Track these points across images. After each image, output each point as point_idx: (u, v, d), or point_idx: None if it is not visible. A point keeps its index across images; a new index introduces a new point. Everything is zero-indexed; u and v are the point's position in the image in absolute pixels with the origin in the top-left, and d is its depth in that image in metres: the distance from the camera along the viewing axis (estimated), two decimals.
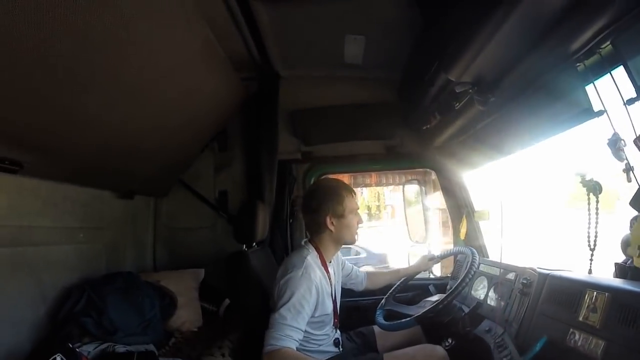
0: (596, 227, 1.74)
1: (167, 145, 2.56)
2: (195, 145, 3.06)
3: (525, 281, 1.96)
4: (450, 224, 3.24)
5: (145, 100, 2.02)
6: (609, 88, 1.55)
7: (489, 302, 2.23)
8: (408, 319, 2.01)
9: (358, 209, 2.13)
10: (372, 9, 2.19)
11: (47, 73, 1.45)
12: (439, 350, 2.04)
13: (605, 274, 1.73)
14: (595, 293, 1.49)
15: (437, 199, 3.54)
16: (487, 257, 2.80)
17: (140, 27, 1.60)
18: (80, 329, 2.07)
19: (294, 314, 1.76)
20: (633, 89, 1.41)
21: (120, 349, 2.06)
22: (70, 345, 1.82)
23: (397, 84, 2.98)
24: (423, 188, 3.37)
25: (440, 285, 2.72)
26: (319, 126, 3.13)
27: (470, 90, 1.87)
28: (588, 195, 1.74)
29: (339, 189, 2.07)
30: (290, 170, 3.22)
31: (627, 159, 1.51)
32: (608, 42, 1.41)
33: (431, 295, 2.49)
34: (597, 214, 1.74)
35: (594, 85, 1.61)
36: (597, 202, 1.74)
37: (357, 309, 2.54)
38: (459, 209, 3.06)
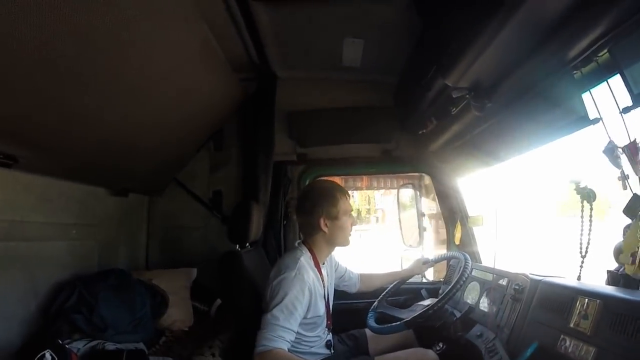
0: (589, 234, 1.75)
1: (163, 143, 2.55)
2: (191, 144, 3.06)
3: (517, 287, 1.97)
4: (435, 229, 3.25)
5: (143, 99, 2.02)
6: (605, 96, 1.56)
7: (481, 307, 2.23)
8: (398, 323, 2.00)
9: (352, 211, 2.13)
10: (371, 12, 2.20)
11: (46, 70, 1.45)
12: (431, 354, 2.04)
13: (596, 281, 1.73)
14: (586, 300, 1.49)
15: (430, 203, 3.53)
16: (480, 262, 2.80)
17: (139, 27, 1.60)
18: (70, 326, 2.06)
19: (287, 315, 1.76)
20: (629, 97, 1.42)
21: (110, 346, 2.06)
22: (60, 342, 1.82)
23: (395, 88, 2.98)
24: (417, 192, 3.37)
25: (432, 289, 2.72)
26: (315, 128, 3.13)
27: (467, 96, 1.88)
28: (582, 202, 1.74)
29: (333, 191, 2.07)
30: (285, 171, 3.21)
31: (622, 167, 1.51)
32: (605, 50, 1.41)
33: (423, 299, 2.49)
34: (590, 221, 1.74)
35: (590, 93, 1.62)
36: (591, 209, 1.74)
37: (349, 312, 2.54)
38: (453, 214, 3.06)
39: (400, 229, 3.36)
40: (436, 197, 3.19)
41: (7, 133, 1.64)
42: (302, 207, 2.09)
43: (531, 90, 1.75)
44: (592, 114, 1.65)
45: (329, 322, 2.13)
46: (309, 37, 2.52)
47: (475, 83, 1.79)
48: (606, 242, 1.72)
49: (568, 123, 1.80)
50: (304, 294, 1.85)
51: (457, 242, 2.97)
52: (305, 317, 1.91)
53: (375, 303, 2.38)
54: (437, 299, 2.01)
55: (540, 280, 1.88)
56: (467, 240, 2.95)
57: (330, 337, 2.16)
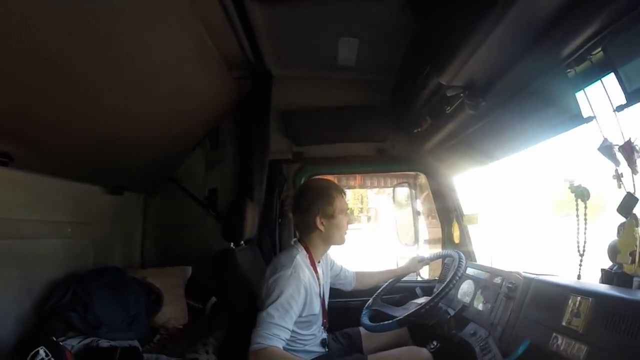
0: (585, 232, 1.75)
1: (158, 141, 2.55)
2: (187, 142, 3.06)
3: (510, 285, 1.97)
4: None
5: (138, 97, 2.02)
6: (598, 94, 1.56)
7: (475, 305, 2.23)
8: (390, 321, 2.01)
9: (348, 210, 2.13)
10: (366, 12, 2.21)
11: (42, 69, 1.45)
12: (424, 352, 2.04)
13: (590, 279, 1.74)
14: (579, 298, 1.50)
15: (425, 202, 3.53)
16: (475, 261, 2.80)
17: (134, 25, 1.60)
18: (65, 323, 2.07)
19: (282, 313, 1.76)
20: (623, 96, 1.42)
21: (104, 343, 2.06)
22: (54, 339, 1.81)
23: (390, 87, 2.98)
24: (413, 191, 3.37)
25: (427, 287, 2.73)
26: (310, 127, 3.13)
27: (462, 95, 1.88)
28: (576, 201, 1.75)
29: (330, 190, 2.07)
30: (280, 170, 3.22)
31: (620, 164, 1.52)
32: (599, 49, 1.41)
33: (418, 297, 2.49)
34: (585, 220, 1.75)
35: (584, 92, 1.62)
36: (586, 207, 1.75)
37: (343, 310, 2.54)
38: (448, 212, 3.06)
39: (396, 227, 3.36)
40: (431, 196, 3.20)
41: (2, 131, 1.63)
42: (298, 206, 2.08)
43: (525, 89, 1.76)
44: (585, 112, 1.66)
45: (324, 320, 2.13)
46: (304, 36, 2.52)
47: (470, 82, 1.80)
48: (599, 242, 1.72)
49: (562, 121, 1.80)
50: (300, 293, 1.85)
51: (457, 240, 2.98)
52: (300, 316, 1.90)
53: (370, 301, 2.38)
54: (430, 297, 2.02)
55: (533, 278, 1.88)
56: (462, 239, 2.96)
57: (325, 335, 2.16)
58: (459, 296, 2.40)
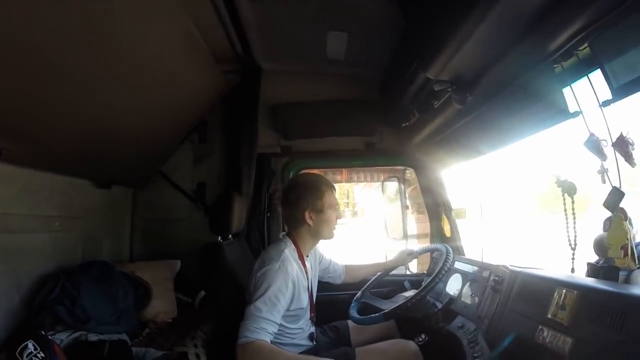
0: (575, 226, 1.76)
1: (146, 134, 2.54)
2: (175, 136, 3.05)
3: (497, 278, 1.99)
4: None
5: (126, 89, 2.01)
6: (585, 89, 1.57)
7: (462, 299, 2.25)
8: (377, 314, 2.03)
9: (337, 204, 2.14)
10: (355, 6, 2.22)
11: (29, 62, 1.45)
12: (411, 345, 2.06)
13: (575, 274, 1.76)
14: (564, 291, 1.51)
15: (412, 196, 3.55)
16: (464, 255, 2.83)
17: (122, 17, 1.60)
18: (53, 317, 2.07)
19: (270, 307, 1.76)
20: (609, 91, 1.43)
21: (93, 337, 2.06)
22: (43, 333, 1.80)
23: (379, 82, 3.00)
24: (402, 186, 3.38)
25: (415, 281, 2.74)
26: (299, 121, 3.14)
27: (449, 89, 1.89)
28: (563, 195, 1.76)
29: (319, 184, 2.07)
30: (269, 163, 3.20)
31: (606, 158, 1.53)
32: (586, 45, 1.42)
33: (406, 290, 2.50)
34: (573, 214, 1.76)
35: (571, 87, 1.63)
36: (573, 202, 1.76)
37: (331, 303, 2.55)
38: (437, 207, 3.08)
39: (385, 222, 3.37)
40: (418, 190, 3.21)
41: None
42: (287, 200, 2.08)
43: (512, 84, 1.76)
44: (572, 108, 1.67)
45: (312, 314, 2.14)
46: (293, 30, 2.52)
47: (457, 76, 1.81)
48: (583, 238, 1.74)
49: (548, 116, 1.81)
50: (287, 286, 1.85)
51: (448, 234, 3.00)
52: (288, 309, 1.91)
53: (359, 293, 2.40)
54: (417, 291, 2.03)
55: (520, 271, 1.90)
56: (451, 233, 2.98)
57: (313, 329, 2.17)
58: (447, 290, 2.41)
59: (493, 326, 1.87)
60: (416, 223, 3.68)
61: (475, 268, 2.28)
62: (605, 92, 1.45)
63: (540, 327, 1.54)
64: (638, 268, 1.53)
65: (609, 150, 1.51)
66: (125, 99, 2.07)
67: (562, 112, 1.71)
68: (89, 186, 2.69)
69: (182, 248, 3.07)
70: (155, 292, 2.65)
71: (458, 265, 2.44)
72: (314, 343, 2.14)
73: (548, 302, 1.57)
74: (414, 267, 3.30)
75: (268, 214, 3.19)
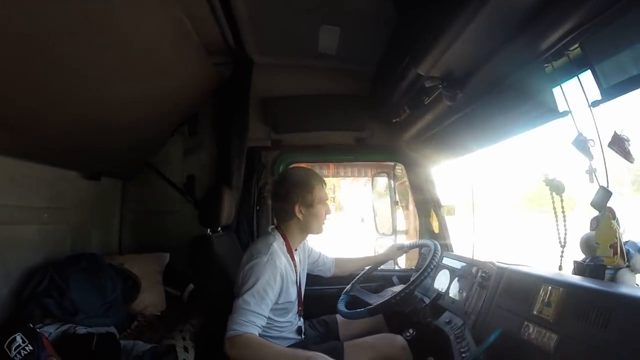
0: (565, 224, 1.78)
1: (136, 125, 2.52)
2: (165, 128, 3.03)
3: (484, 274, 2.01)
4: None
5: (116, 80, 1.99)
6: (574, 89, 1.59)
7: (450, 294, 2.27)
8: (362, 309, 2.04)
9: (327, 199, 2.14)
10: (348, 1, 2.21)
11: (17, 51, 1.42)
12: (399, 339, 2.08)
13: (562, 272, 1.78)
14: (550, 288, 1.53)
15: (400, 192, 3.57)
16: (452, 251, 2.85)
17: (113, 7, 1.57)
18: (42, 310, 2.06)
19: (258, 300, 1.77)
20: (598, 92, 1.44)
21: (81, 330, 2.06)
22: (31, 326, 1.80)
23: (370, 77, 3.00)
24: (392, 182, 3.39)
25: (404, 276, 2.76)
26: (290, 114, 3.14)
27: (440, 86, 1.89)
28: (552, 194, 1.78)
29: (310, 179, 2.08)
30: (259, 157, 3.19)
31: (593, 158, 1.55)
32: (576, 45, 1.43)
33: (394, 285, 2.52)
34: (563, 212, 1.78)
35: (561, 87, 1.65)
36: (562, 200, 1.78)
37: (320, 298, 2.55)
38: (426, 203, 3.09)
39: (374, 217, 3.39)
40: (406, 185, 3.23)
41: None
42: (277, 193, 2.08)
43: (502, 82, 1.77)
44: (561, 107, 1.68)
45: (300, 308, 2.15)
46: (285, 23, 2.52)
47: (447, 73, 1.82)
48: (571, 236, 1.76)
49: (538, 115, 1.82)
50: (276, 280, 1.86)
51: (436, 230, 3.02)
52: (276, 303, 1.92)
53: (349, 286, 2.41)
54: (404, 286, 2.04)
55: (506, 268, 1.92)
56: (440, 230, 3.00)
57: (301, 322, 2.18)
58: (435, 285, 2.44)
59: (480, 322, 1.90)
60: (405, 219, 3.71)
61: (463, 264, 2.31)
62: (595, 93, 1.46)
63: (526, 323, 1.56)
64: (627, 266, 1.55)
65: (596, 150, 1.53)
66: (115, 90, 2.05)
67: (551, 112, 1.72)
68: (78, 177, 2.67)
69: (172, 241, 3.05)
70: (144, 285, 2.64)
71: (446, 261, 2.46)
72: (303, 337, 2.15)
73: (534, 298, 1.59)
74: (402, 262, 3.32)
75: (257, 208, 3.18)
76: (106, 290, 2.31)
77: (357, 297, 2.29)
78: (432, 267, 2.02)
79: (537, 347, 1.46)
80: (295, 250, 2.12)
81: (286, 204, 2.04)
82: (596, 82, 1.44)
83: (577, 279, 1.57)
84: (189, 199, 3.17)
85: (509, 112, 1.98)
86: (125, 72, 1.98)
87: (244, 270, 1.87)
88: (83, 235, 2.77)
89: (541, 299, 1.55)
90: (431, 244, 2.22)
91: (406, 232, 3.69)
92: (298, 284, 2.11)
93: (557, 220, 1.79)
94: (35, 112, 1.78)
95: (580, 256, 1.72)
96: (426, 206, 3.09)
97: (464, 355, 1.81)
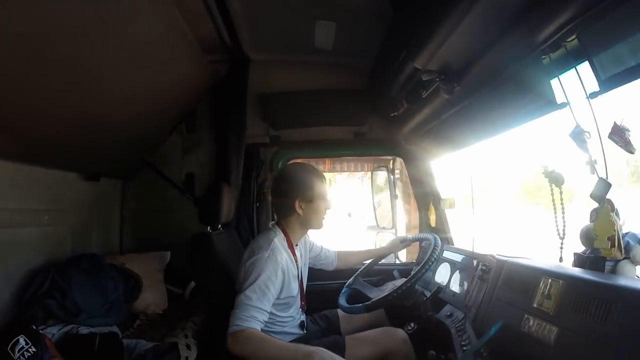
0: (563, 216, 1.78)
1: (134, 125, 2.52)
2: (163, 126, 3.02)
3: (484, 267, 2.01)
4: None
5: (111, 80, 1.99)
6: (572, 81, 1.58)
7: (451, 287, 2.27)
8: (359, 305, 2.04)
9: (327, 195, 2.14)
10: None
11: (12, 52, 1.42)
12: (400, 332, 2.08)
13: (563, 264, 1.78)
14: (550, 280, 1.53)
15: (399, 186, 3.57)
16: (453, 244, 2.85)
17: (107, 5, 1.56)
18: (44, 311, 2.07)
19: (260, 295, 1.77)
20: (596, 83, 1.44)
21: (84, 330, 2.07)
22: (34, 327, 1.80)
23: (368, 71, 3.00)
24: (391, 176, 3.39)
25: (404, 270, 2.76)
26: (288, 110, 3.13)
27: (437, 79, 1.89)
28: (551, 186, 1.77)
29: (310, 174, 2.08)
30: (258, 153, 3.19)
31: (589, 151, 1.54)
32: (574, 36, 1.43)
33: (395, 279, 2.52)
34: (562, 204, 1.78)
35: (559, 79, 1.64)
36: (561, 192, 1.77)
37: (322, 293, 2.56)
38: (426, 196, 3.09)
39: (374, 211, 3.39)
40: (409, 180, 3.22)
41: None
42: (278, 189, 2.09)
43: (500, 75, 1.77)
44: (559, 99, 1.68)
45: (302, 302, 2.16)
46: (281, 19, 2.51)
47: (444, 66, 1.81)
48: (569, 228, 1.76)
49: (536, 107, 1.81)
50: (277, 275, 1.87)
51: (432, 224, 3.01)
52: (278, 298, 1.92)
53: (351, 279, 2.42)
54: (404, 282, 2.04)
55: (506, 260, 1.91)
56: (440, 223, 2.99)
57: (303, 317, 2.19)
58: (435, 278, 2.44)
59: (480, 315, 1.89)
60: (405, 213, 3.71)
61: (463, 257, 2.31)
62: (593, 84, 1.46)
63: (526, 316, 1.56)
64: (624, 258, 1.55)
65: (595, 141, 1.53)
66: (111, 89, 2.05)
67: (549, 104, 1.72)
68: (77, 179, 2.67)
69: (172, 239, 3.06)
70: (146, 284, 2.65)
71: (447, 254, 2.46)
72: (305, 331, 2.16)
73: (534, 291, 1.58)
74: (403, 256, 3.32)
75: (257, 204, 3.18)
76: (108, 290, 2.33)
77: (359, 290, 2.29)
78: (431, 262, 2.02)
79: (537, 339, 1.46)
80: (296, 245, 2.12)
81: (286, 199, 2.04)
82: (594, 74, 1.43)
83: (577, 272, 1.56)
84: (188, 197, 3.17)
85: (506, 104, 1.97)
86: (120, 70, 1.97)
87: (245, 266, 1.88)
88: (83, 236, 2.78)
89: (541, 291, 1.54)
90: (431, 237, 2.22)
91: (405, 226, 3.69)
92: (300, 279, 2.11)
93: (555, 212, 1.79)
94: (32, 113, 1.78)
95: (580, 248, 1.72)
96: (426, 200, 3.09)
97: (465, 348, 1.80)
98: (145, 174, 3.22)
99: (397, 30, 2.20)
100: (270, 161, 3.24)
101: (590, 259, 1.61)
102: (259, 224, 3.15)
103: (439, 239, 2.16)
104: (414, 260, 3.07)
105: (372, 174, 3.56)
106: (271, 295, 1.83)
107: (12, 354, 1.59)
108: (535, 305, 1.54)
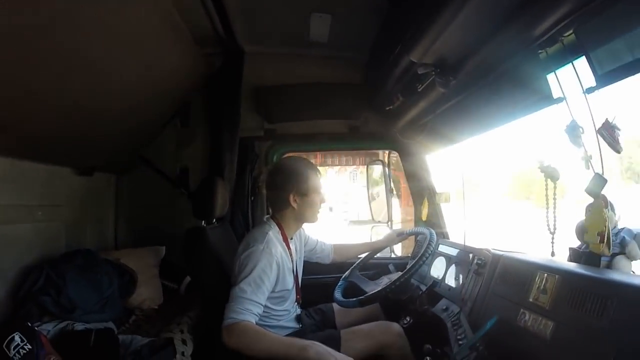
0: (554, 211, 1.78)
1: (127, 118, 2.50)
2: (157, 120, 3.00)
3: (480, 262, 2.01)
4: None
5: (104, 73, 1.96)
6: (569, 76, 1.58)
7: (447, 281, 2.28)
8: (354, 299, 2.06)
9: (322, 188, 2.14)
10: None
11: (2, 45, 1.39)
12: (395, 326, 2.09)
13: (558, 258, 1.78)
14: (545, 275, 1.53)
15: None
16: (448, 238, 2.85)
17: None
18: (39, 308, 2.06)
19: (254, 288, 1.78)
20: (593, 78, 1.44)
21: (79, 327, 2.05)
22: (29, 324, 1.79)
23: (363, 65, 2.99)
24: (387, 169, 3.38)
25: (400, 264, 2.76)
26: (282, 104, 3.11)
27: (433, 73, 1.89)
28: (546, 181, 1.77)
29: (305, 168, 2.08)
30: (252, 147, 3.17)
31: (584, 146, 1.54)
32: (571, 31, 1.42)
33: (390, 273, 2.53)
34: (554, 199, 1.78)
35: (555, 74, 1.64)
36: (555, 187, 1.78)
37: (317, 287, 2.56)
38: (421, 190, 3.09)
39: (370, 205, 3.39)
40: (404, 174, 3.22)
41: None
42: (272, 182, 2.09)
43: (496, 69, 1.77)
44: (556, 94, 1.68)
45: (298, 296, 2.16)
46: (275, 11, 2.49)
47: (440, 60, 1.81)
48: (563, 223, 1.77)
49: (532, 102, 1.82)
50: (272, 268, 1.87)
51: (424, 218, 3.01)
52: (273, 291, 1.93)
53: (348, 272, 2.43)
54: (398, 276, 2.05)
55: (502, 255, 1.92)
56: (435, 217, 2.99)
57: (299, 311, 2.19)
58: (431, 272, 2.44)
59: (476, 309, 1.90)
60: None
61: (459, 251, 2.31)
62: (590, 79, 1.46)
63: (522, 310, 1.57)
64: (615, 254, 1.56)
65: (590, 136, 1.53)
66: (103, 82, 2.02)
67: (545, 98, 1.72)
68: (71, 174, 2.64)
69: (167, 234, 3.04)
70: (141, 279, 2.64)
71: (442, 248, 2.47)
72: (300, 325, 2.16)
73: (529, 285, 1.59)
74: (398, 250, 3.33)
75: (252, 198, 3.16)
76: (102, 286, 2.31)
77: (355, 284, 2.30)
78: (427, 256, 2.03)
79: (533, 334, 1.47)
80: (291, 239, 2.13)
81: (281, 193, 2.04)
82: (591, 69, 1.44)
83: (572, 266, 1.57)
84: (183, 191, 3.15)
85: (503, 98, 1.97)
86: (113, 62, 1.95)
87: (240, 258, 1.88)
88: (78, 232, 2.76)
89: (537, 286, 1.55)
90: (427, 231, 2.22)
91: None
92: (295, 272, 2.11)
93: (547, 208, 1.79)
94: (23, 106, 1.76)
95: (575, 243, 1.73)
96: (421, 194, 3.09)
97: (460, 342, 1.81)
98: (140, 168, 3.19)
99: (392, 23, 2.19)
100: (264, 155, 3.22)
101: (586, 254, 1.61)
102: (253, 218, 3.13)
103: (434, 233, 2.16)
104: (409, 254, 3.08)
105: (367, 167, 3.56)
106: (266, 288, 1.83)
107: (7, 352, 1.58)
108: (531, 299, 1.55)
